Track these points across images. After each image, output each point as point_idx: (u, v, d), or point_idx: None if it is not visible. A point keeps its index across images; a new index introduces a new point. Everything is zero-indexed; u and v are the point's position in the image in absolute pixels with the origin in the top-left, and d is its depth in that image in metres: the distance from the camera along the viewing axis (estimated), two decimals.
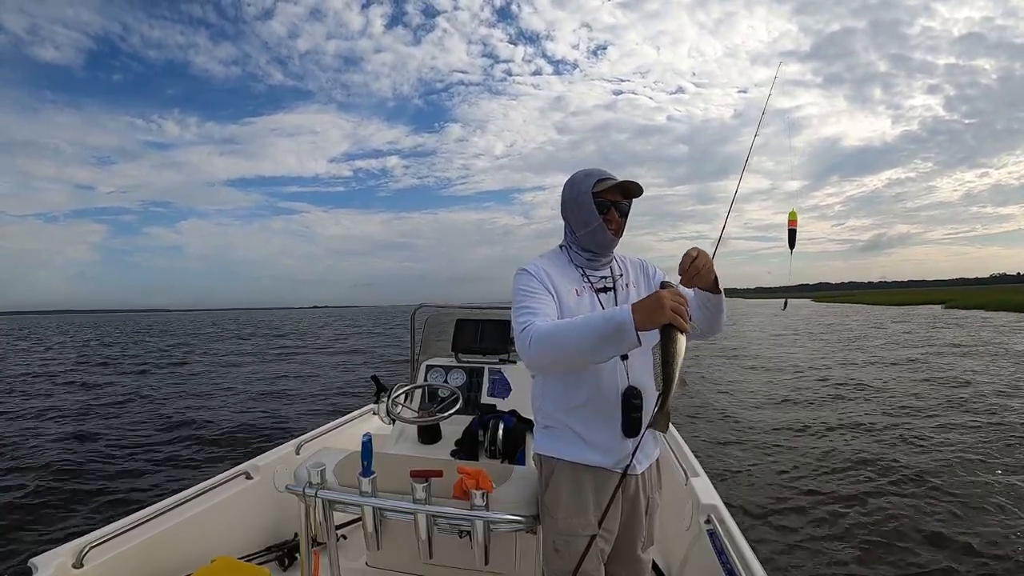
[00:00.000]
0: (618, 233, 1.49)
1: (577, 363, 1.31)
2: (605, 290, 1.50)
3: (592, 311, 1.43)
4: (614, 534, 1.46)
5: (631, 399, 1.41)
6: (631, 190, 1.47)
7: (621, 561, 1.52)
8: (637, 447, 1.40)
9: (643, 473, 1.49)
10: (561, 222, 1.57)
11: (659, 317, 1.16)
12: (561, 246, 1.57)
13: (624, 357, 1.42)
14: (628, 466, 1.39)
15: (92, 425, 7.27)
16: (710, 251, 1.30)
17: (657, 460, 1.57)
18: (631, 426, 1.41)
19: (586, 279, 1.49)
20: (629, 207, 1.49)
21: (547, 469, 1.48)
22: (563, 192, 1.53)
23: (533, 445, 1.56)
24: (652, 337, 1.23)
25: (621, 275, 1.54)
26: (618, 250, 1.58)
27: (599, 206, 1.45)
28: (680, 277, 1.27)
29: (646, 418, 1.41)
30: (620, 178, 1.45)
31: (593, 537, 1.36)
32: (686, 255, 1.25)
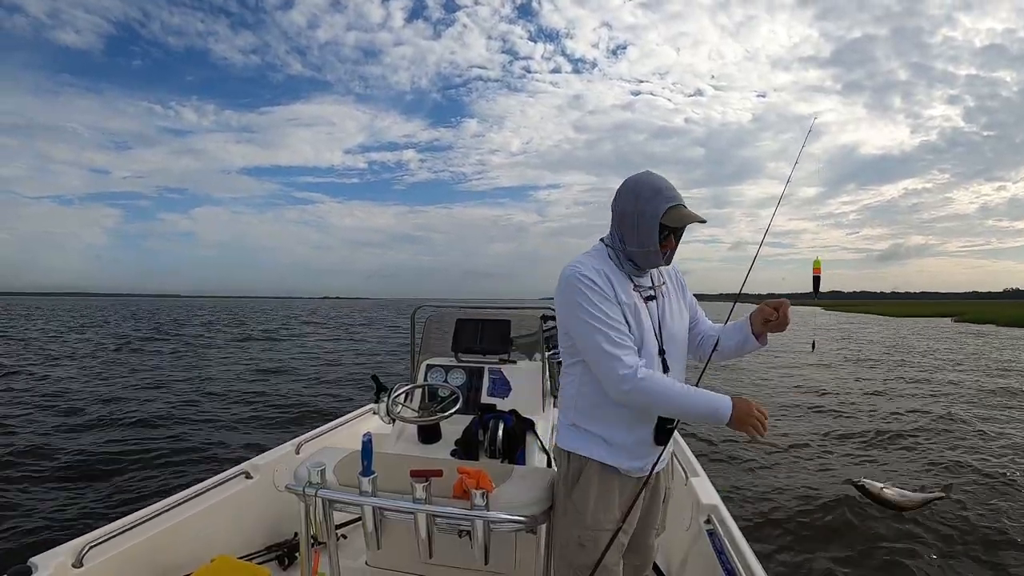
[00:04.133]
0: (670, 255, 1.46)
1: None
2: (651, 299, 1.49)
3: (642, 319, 1.42)
4: (633, 526, 1.51)
5: None
6: (690, 217, 1.41)
7: (634, 548, 1.57)
8: (663, 452, 1.47)
9: (661, 471, 1.56)
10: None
11: (745, 427, 1.29)
12: (607, 246, 1.49)
13: (666, 369, 1.45)
14: (653, 468, 1.45)
15: (91, 423, 7.26)
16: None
17: (672, 452, 1.67)
18: (662, 435, 1.45)
19: (636, 288, 1.46)
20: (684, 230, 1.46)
21: (575, 466, 1.48)
22: (622, 196, 1.44)
23: (557, 440, 1.58)
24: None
25: (663, 283, 1.53)
26: None
27: (663, 230, 1.39)
28: (759, 312, 1.44)
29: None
30: (687, 207, 1.39)
31: (617, 531, 1.42)
32: (783, 309, 1.41)
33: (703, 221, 1.41)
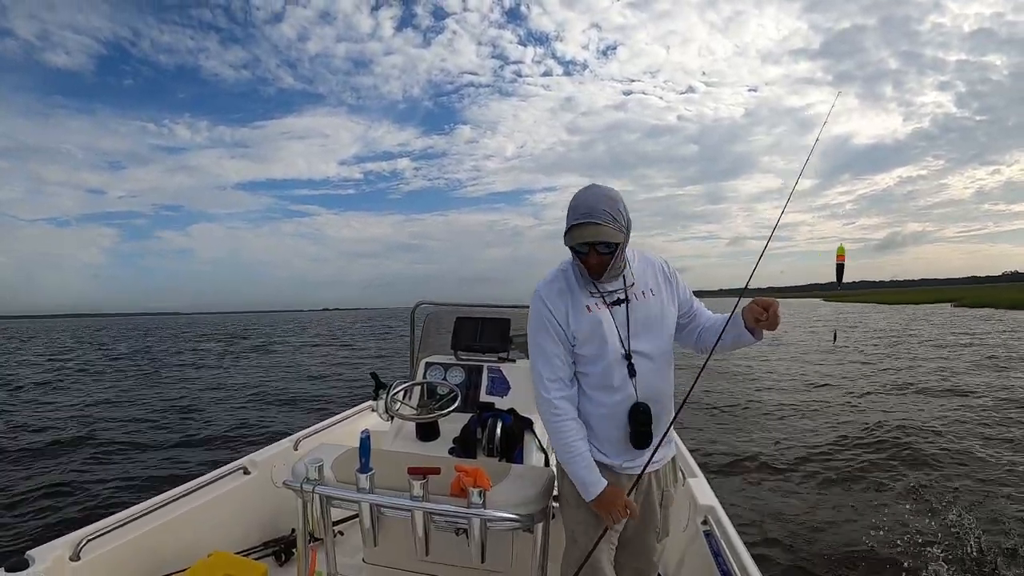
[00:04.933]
0: (600, 270, 1.43)
1: None
2: (619, 302, 1.48)
3: (602, 327, 1.44)
4: (623, 525, 1.51)
5: (638, 414, 1.45)
6: (603, 227, 1.36)
7: (632, 550, 1.58)
8: (652, 455, 1.45)
9: (658, 470, 1.56)
10: None
11: (606, 512, 1.41)
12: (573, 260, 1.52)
13: (632, 374, 1.45)
14: (645, 467, 1.44)
15: (91, 420, 7.28)
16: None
17: (674, 457, 1.65)
18: (640, 439, 1.46)
19: (598, 294, 1.48)
20: (618, 246, 1.41)
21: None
22: None
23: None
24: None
25: (633, 284, 1.51)
26: (635, 250, 1.55)
27: (575, 250, 1.44)
28: (749, 310, 1.41)
29: (657, 430, 1.47)
30: (602, 224, 1.36)
31: (606, 528, 1.44)
32: (772, 308, 1.37)
33: (601, 244, 1.37)
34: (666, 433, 1.48)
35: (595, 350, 1.45)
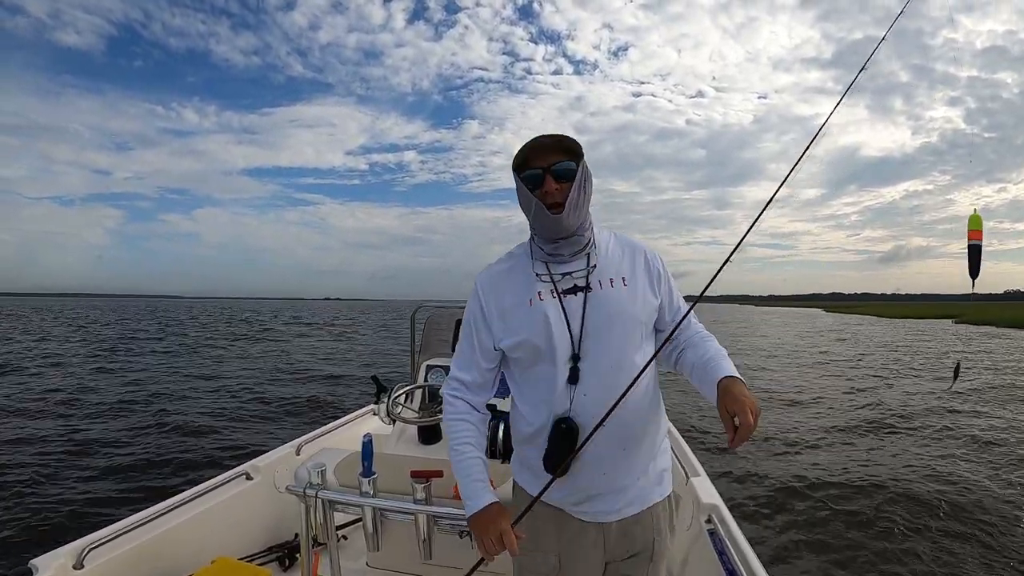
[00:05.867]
0: (562, 205, 1.13)
1: None
2: (575, 291, 1.18)
3: (546, 321, 1.16)
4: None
5: (559, 428, 1.16)
6: (553, 145, 1.14)
7: None
8: (626, 495, 1.20)
9: (639, 516, 1.23)
10: None
11: (477, 536, 1.16)
12: (532, 237, 1.26)
13: (574, 380, 1.16)
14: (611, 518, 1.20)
15: (91, 424, 7.26)
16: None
17: (668, 497, 1.29)
18: (551, 460, 1.16)
19: (549, 279, 1.20)
20: (576, 167, 1.15)
21: (515, 493, 1.33)
22: None
23: None
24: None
25: (595, 266, 1.20)
26: (611, 231, 1.29)
27: (529, 181, 1.15)
28: (725, 404, 1.08)
29: (625, 459, 1.19)
30: (538, 149, 1.14)
31: (481, 559, 1.16)
32: (746, 428, 1.03)
33: (556, 136, 1.14)
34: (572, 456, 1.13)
35: (534, 350, 1.17)
